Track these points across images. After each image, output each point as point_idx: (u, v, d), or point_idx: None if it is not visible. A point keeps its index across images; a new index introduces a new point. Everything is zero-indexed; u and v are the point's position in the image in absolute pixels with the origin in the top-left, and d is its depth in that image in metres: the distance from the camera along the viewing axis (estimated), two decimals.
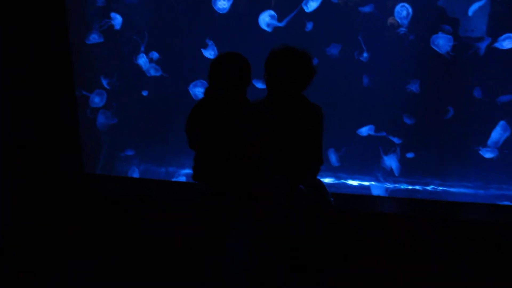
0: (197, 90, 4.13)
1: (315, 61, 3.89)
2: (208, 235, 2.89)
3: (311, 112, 2.81)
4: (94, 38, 4.19)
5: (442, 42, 3.76)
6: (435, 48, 3.80)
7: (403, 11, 3.87)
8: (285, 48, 2.66)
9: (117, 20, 4.22)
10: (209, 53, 4.16)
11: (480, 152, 3.88)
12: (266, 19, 3.90)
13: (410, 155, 4.09)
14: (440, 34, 3.78)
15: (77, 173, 4.12)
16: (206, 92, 2.60)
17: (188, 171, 4.55)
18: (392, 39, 3.98)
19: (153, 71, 4.25)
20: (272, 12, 3.92)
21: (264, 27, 3.93)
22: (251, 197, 2.72)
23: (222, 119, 2.53)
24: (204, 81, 4.00)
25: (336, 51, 4.00)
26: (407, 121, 4.04)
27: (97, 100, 4.27)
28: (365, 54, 3.98)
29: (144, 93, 4.37)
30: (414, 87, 4.00)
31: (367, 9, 3.95)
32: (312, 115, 2.80)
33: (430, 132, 4.09)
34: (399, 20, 3.89)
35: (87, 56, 4.19)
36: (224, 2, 4.01)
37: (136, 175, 4.52)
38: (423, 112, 4.06)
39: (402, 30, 3.87)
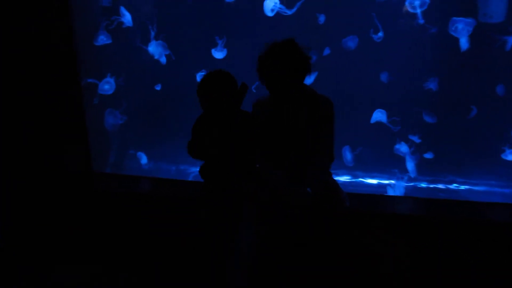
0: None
1: (327, 52, 3.76)
2: (212, 234, 2.84)
3: (317, 104, 2.66)
4: (102, 39, 4.05)
5: (461, 26, 3.49)
6: (453, 34, 3.54)
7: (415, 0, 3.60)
8: (270, 44, 2.56)
9: (126, 16, 4.08)
10: (219, 54, 4.03)
11: (503, 156, 3.65)
12: (270, 4, 3.72)
13: (428, 155, 3.85)
14: (458, 18, 3.52)
15: (85, 171, 4.03)
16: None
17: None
18: (411, 31, 3.74)
19: (161, 48, 4.08)
20: None
21: (269, 13, 3.74)
22: (253, 195, 2.66)
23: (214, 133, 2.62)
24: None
25: (353, 44, 3.78)
26: (428, 119, 3.80)
27: (106, 87, 4.13)
28: (380, 34, 3.74)
29: (157, 87, 4.25)
30: (432, 84, 3.77)
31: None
32: (318, 108, 2.65)
33: (452, 130, 3.86)
34: (412, 10, 3.63)
35: (94, 54, 4.07)
36: None
37: (144, 161, 4.41)
38: (444, 110, 3.82)
39: (420, 21, 3.61)
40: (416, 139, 3.81)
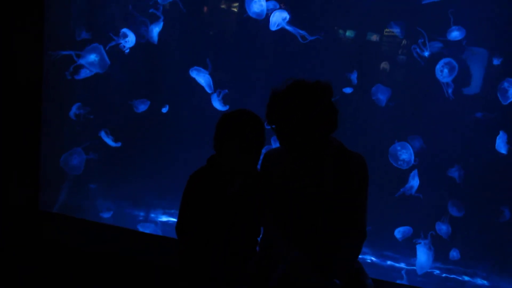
0: (195, 74, 3.46)
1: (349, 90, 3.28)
2: None
3: (348, 163, 2.12)
4: (86, 72, 3.26)
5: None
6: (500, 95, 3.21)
7: (444, 69, 3.21)
8: (291, 84, 2.03)
9: (129, 38, 3.29)
10: (218, 104, 3.48)
11: None
12: (278, 19, 3.18)
13: (455, 255, 3.39)
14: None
15: (29, 210, 3.27)
16: (209, 160, 2.16)
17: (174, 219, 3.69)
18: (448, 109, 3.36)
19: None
20: (285, 14, 3.21)
21: (273, 27, 3.25)
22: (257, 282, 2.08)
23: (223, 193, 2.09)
24: (198, 67, 3.43)
25: (383, 98, 3.27)
26: (454, 212, 3.37)
27: (92, 58, 3.16)
28: (426, 53, 3.29)
29: (164, 109, 3.68)
30: (456, 173, 3.39)
31: (426, 53, 3.25)
32: (349, 168, 2.11)
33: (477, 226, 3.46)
34: (441, 79, 3.21)
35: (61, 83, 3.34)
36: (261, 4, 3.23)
37: (106, 215, 3.70)
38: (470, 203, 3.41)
39: (451, 96, 3.25)
40: (445, 231, 3.28)
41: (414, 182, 3.33)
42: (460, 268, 3.44)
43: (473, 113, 3.31)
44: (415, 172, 3.31)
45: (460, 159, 3.39)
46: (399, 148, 3.30)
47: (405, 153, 3.27)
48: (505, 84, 3.15)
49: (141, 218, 3.74)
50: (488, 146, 3.24)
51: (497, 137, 3.21)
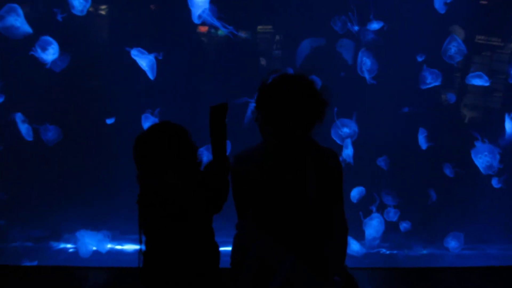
0: (137, 55, 3.18)
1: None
2: None
3: (324, 159, 2.10)
4: None
5: (430, 78, 3.48)
6: (422, 83, 3.50)
7: (367, 61, 3.42)
8: (285, 76, 2.01)
9: (51, 50, 2.81)
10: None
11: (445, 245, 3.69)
12: (197, 10, 3.08)
13: (406, 226, 3.65)
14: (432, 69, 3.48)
15: None
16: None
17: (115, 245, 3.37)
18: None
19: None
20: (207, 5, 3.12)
21: (196, 20, 3.15)
22: None
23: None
24: (140, 48, 3.20)
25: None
26: (388, 201, 3.62)
27: (11, 20, 2.57)
28: (356, 27, 3.41)
29: (109, 121, 3.35)
30: (383, 163, 3.64)
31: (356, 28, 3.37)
32: (326, 163, 2.09)
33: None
34: (362, 74, 3.43)
35: None
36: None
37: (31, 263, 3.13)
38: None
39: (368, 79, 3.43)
40: (392, 215, 3.50)
41: (349, 150, 3.48)
42: (402, 244, 3.70)
43: (400, 108, 3.59)
44: (347, 141, 3.44)
45: (388, 150, 3.64)
46: (340, 124, 3.44)
47: (346, 128, 3.41)
48: (424, 69, 3.45)
49: (71, 250, 3.26)
50: (413, 138, 3.52)
51: (419, 134, 3.52)
